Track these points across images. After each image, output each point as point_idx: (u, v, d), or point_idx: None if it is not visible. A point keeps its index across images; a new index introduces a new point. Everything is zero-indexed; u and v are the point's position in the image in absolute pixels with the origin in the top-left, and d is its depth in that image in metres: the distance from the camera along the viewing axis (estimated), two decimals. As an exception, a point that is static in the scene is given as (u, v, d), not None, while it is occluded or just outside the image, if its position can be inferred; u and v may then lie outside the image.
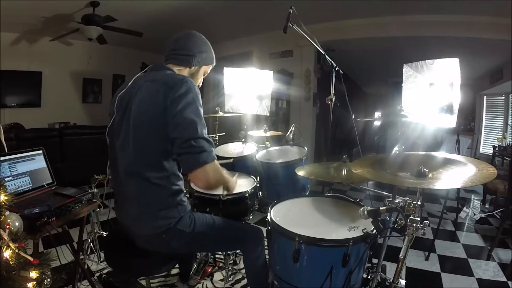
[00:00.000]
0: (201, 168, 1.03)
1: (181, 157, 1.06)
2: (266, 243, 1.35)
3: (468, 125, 5.52)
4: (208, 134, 1.08)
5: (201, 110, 1.09)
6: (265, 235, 1.33)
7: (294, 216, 1.36)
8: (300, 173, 1.50)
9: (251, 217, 1.76)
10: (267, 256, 1.43)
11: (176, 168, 1.15)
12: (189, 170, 1.05)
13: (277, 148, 2.24)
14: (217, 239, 1.30)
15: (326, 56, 1.82)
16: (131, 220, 1.19)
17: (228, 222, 1.36)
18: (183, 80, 1.09)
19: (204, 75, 1.36)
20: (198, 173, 1.03)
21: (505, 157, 3.94)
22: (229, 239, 1.35)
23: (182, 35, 1.26)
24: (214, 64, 1.37)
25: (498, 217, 3.22)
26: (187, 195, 1.80)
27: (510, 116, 4.68)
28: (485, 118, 5.32)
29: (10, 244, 0.90)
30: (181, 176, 1.18)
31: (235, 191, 1.66)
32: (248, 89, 2.42)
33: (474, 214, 3.32)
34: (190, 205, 1.25)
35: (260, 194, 1.97)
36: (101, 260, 2.13)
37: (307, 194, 1.87)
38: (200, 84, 1.35)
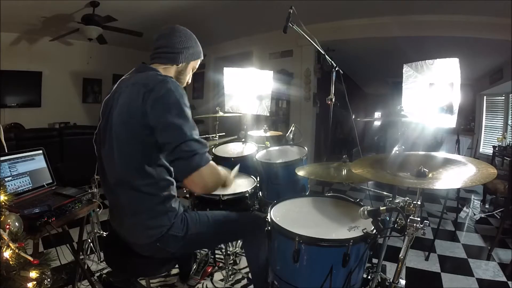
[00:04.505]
0: (196, 173, 0.97)
1: (173, 163, 1.00)
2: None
3: (468, 125, 5.51)
4: (208, 134, 1.06)
5: (187, 110, 1.02)
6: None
7: (294, 216, 1.36)
8: (300, 173, 1.50)
9: (251, 217, 1.76)
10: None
11: (165, 173, 1.11)
12: (184, 176, 0.99)
13: (277, 148, 2.24)
14: (214, 235, 1.28)
15: (326, 56, 1.82)
16: (124, 230, 1.18)
17: (224, 215, 1.34)
18: (163, 80, 1.03)
19: (192, 71, 1.30)
20: (194, 178, 0.98)
21: (505, 157, 3.94)
22: (227, 232, 1.33)
23: (165, 32, 1.19)
24: (202, 58, 1.31)
25: (498, 217, 3.22)
26: (187, 195, 1.81)
27: (510, 116, 4.67)
28: (485, 118, 5.31)
29: (10, 244, 0.90)
30: (171, 180, 1.14)
31: (235, 191, 1.67)
32: (248, 89, 2.42)
33: (474, 214, 3.32)
34: (182, 208, 1.23)
35: (260, 194, 1.97)
36: (101, 260, 2.13)
37: (307, 194, 1.87)
38: (190, 81, 1.31)
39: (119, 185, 1.10)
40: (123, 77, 1.18)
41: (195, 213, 1.27)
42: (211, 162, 1.03)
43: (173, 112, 0.99)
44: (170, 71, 1.20)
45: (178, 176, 1.06)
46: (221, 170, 1.15)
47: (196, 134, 1.01)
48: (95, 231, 2.19)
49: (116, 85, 1.15)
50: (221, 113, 2.52)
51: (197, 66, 1.32)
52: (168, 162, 1.03)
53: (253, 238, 1.35)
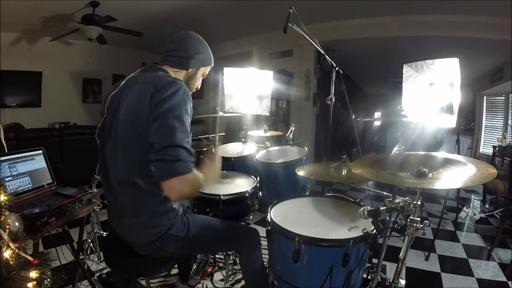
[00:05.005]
0: (175, 179, 0.95)
1: (155, 163, 0.97)
2: (266, 243, 1.35)
3: (468, 125, 5.51)
4: (208, 134, 1.05)
5: (187, 117, 1.02)
6: (264, 235, 1.32)
7: (294, 216, 1.36)
8: (300, 173, 1.50)
9: (251, 217, 1.76)
10: (266, 258, 1.43)
11: None
12: (162, 179, 0.97)
13: (277, 148, 2.24)
14: (212, 239, 1.28)
15: (326, 56, 1.83)
16: (123, 230, 1.18)
17: (223, 222, 1.35)
18: (173, 82, 1.04)
19: (202, 77, 1.31)
20: (172, 183, 0.96)
21: (505, 157, 3.94)
22: (224, 240, 1.33)
23: (178, 36, 1.21)
24: (212, 65, 1.32)
25: (498, 217, 3.22)
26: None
27: (510, 116, 4.67)
28: (485, 118, 5.31)
29: (10, 244, 0.90)
30: None
31: (235, 191, 1.67)
32: (248, 89, 2.42)
33: (474, 214, 3.32)
34: (182, 209, 1.23)
35: (260, 194, 1.97)
36: (101, 260, 2.13)
37: (307, 194, 1.87)
38: (199, 87, 1.32)
39: (121, 184, 1.10)
40: (131, 75, 1.18)
41: (195, 215, 1.28)
42: (194, 171, 1.00)
43: (172, 114, 0.99)
44: (180, 75, 1.21)
45: (156, 177, 1.01)
46: (201, 178, 1.06)
47: (187, 142, 1.00)
48: (95, 231, 2.19)
49: (124, 82, 1.15)
50: (221, 113, 2.52)
51: (207, 72, 1.32)
52: (151, 161, 1.00)
53: (250, 251, 1.35)
